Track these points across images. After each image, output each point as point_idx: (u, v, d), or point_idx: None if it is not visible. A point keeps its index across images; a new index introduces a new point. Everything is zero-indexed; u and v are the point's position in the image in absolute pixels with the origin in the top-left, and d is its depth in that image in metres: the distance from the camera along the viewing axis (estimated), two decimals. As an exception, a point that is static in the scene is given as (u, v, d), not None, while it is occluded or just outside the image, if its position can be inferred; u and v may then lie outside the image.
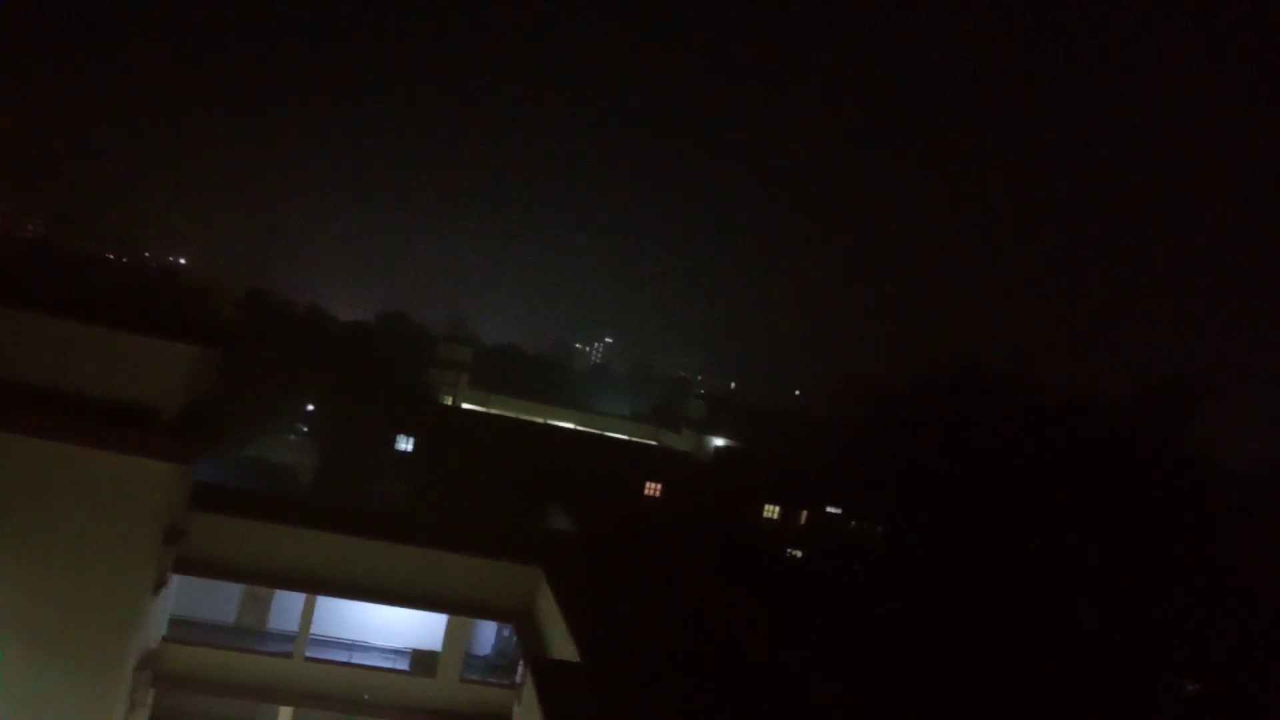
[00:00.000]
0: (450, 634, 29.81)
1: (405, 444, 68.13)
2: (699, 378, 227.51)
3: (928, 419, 45.75)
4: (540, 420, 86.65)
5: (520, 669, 28.87)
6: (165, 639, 28.08)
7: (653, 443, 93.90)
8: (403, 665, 30.36)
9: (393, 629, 31.53)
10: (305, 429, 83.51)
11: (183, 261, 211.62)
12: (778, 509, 68.81)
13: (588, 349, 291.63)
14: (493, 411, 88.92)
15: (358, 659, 30.27)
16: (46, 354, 24.93)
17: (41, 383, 24.65)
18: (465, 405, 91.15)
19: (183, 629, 29.13)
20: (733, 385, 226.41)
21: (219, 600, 30.65)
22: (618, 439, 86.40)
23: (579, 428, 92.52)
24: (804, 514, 69.44)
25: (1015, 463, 40.32)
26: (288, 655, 28.91)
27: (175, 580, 28.09)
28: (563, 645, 25.04)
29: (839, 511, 68.34)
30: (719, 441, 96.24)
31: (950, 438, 43.58)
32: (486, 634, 34.07)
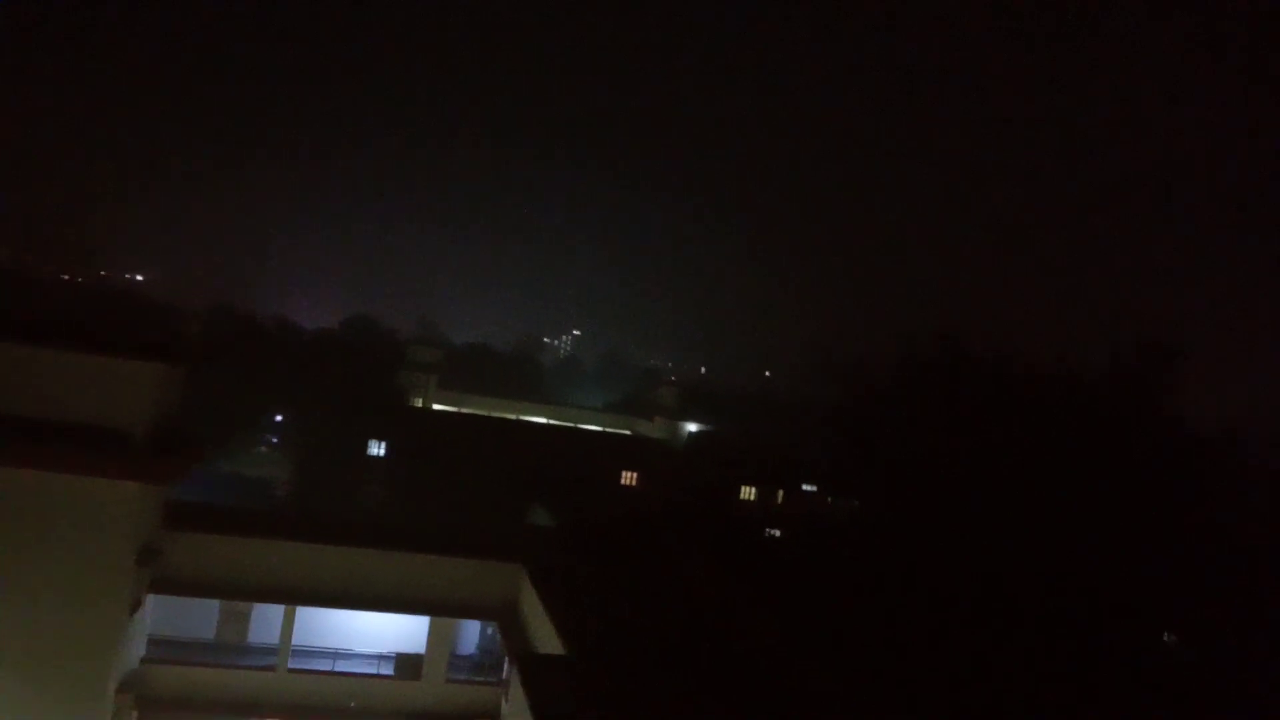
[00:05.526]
0: (434, 635, 29.73)
1: (378, 449, 67.87)
2: (669, 364, 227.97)
3: (903, 393, 46.14)
4: (513, 417, 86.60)
5: (506, 666, 28.88)
6: (145, 659, 27.80)
7: (626, 432, 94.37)
8: (387, 670, 30.28)
9: (375, 634, 31.43)
10: (275, 440, 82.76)
11: (140, 278, 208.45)
12: (754, 490, 69.30)
13: (556, 343, 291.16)
14: (465, 411, 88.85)
15: (341, 667, 30.12)
16: (8, 378, 24.49)
17: (5, 408, 24.26)
18: (437, 406, 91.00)
19: (162, 648, 28.84)
20: (703, 370, 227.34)
21: (197, 617, 30.38)
22: (592, 431, 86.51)
23: (552, 422, 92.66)
24: (780, 493, 69.98)
25: (992, 432, 40.81)
26: (270, 668, 28.71)
27: (151, 599, 27.81)
28: (547, 639, 25.05)
29: (815, 489, 68.91)
30: (692, 427, 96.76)
31: (926, 410, 44.00)
32: (470, 633, 34.03)
